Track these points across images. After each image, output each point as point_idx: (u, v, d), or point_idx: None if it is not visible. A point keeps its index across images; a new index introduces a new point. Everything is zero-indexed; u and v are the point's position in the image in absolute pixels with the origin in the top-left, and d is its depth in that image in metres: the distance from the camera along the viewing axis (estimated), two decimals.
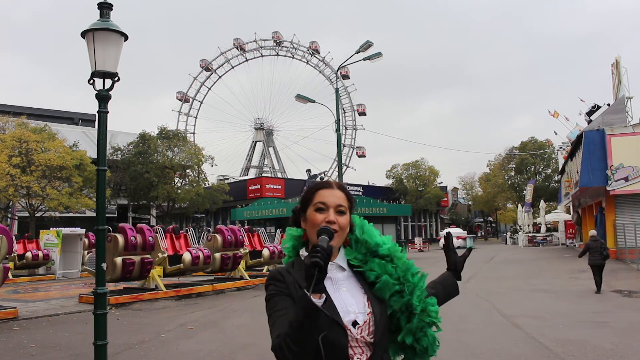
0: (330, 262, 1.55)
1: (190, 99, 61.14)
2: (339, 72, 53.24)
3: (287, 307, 1.48)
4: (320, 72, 59.78)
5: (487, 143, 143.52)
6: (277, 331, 1.44)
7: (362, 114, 57.93)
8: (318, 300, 1.34)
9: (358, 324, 1.50)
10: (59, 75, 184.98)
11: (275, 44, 60.32)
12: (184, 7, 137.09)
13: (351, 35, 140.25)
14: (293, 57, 60.53)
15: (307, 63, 60.12)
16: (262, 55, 61.82)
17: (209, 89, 62.07)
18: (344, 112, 56.35)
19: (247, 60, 62.10)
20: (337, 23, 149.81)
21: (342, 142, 27.53)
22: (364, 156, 58.44)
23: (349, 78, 57.09)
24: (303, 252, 1.67)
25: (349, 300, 1.53)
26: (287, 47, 60.12)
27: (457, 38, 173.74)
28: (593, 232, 13.73)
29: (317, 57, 59.43)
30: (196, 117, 61.36)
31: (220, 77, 62.06)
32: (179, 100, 61.05)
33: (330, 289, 1.52)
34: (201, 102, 61.77)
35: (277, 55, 61.23)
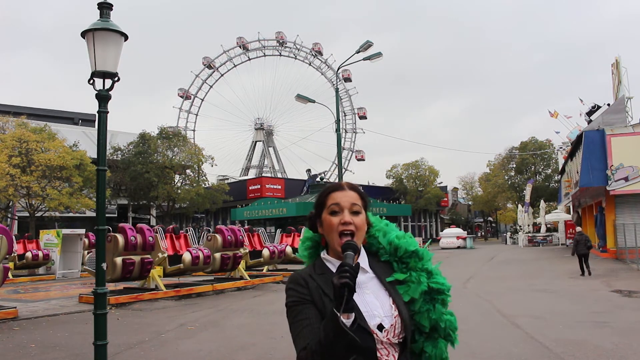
0: None
1: (192, 96, 61.17)
2: (340, 75, 53.24)
3: (311, 317, 1.48)
4: (322, 74, 59.72)
5: (494, 144, 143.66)
6: (302, 343, 1.44)
7: (363, 117, 57.85)
8: (347, 320, 1.34)
9: (384, 327, 1.49)
10: (76, 75, 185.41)
11: (278, 44, 60.28)
12: (188, 6, 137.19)
13: (359, 38, 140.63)
14: (296, 58, 60.50)
15: (310, 64, 60.05)
16: (264, 55, 61.82)
17: (211, 86, 62.08)
18: (345, 115, 56.30)
19: (249, 59, 62.13)
20: (347, 26, 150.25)
21: (342, 145, 27.55)
22: (363, 160, 58.40)
23: (350, 81, 57.02)
24: (325, 255, 1.65)
25: (374, 303, 1.52)
26: (290, 48, 60.09)
27: (468, 40, 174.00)
28: (579, 228, 18.28)
29: (319, 59, 59.36)
30: (197, 115, 61.44)
31: (222, 75, 62.09)
32: (181, 97, 61.09)
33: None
34: (202, 100, 61.81)
35: (280, 55, 61.22)
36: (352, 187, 1.67)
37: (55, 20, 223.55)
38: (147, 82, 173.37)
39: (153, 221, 40.73)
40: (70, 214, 29.46)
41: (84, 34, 5.47)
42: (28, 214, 26.65)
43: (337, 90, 20.61)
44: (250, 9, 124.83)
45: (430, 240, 4.48)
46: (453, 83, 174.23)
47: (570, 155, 27.62)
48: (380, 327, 1.49)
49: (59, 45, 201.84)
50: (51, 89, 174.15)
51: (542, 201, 43.32)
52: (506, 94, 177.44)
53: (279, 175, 59.44)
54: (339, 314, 1.32)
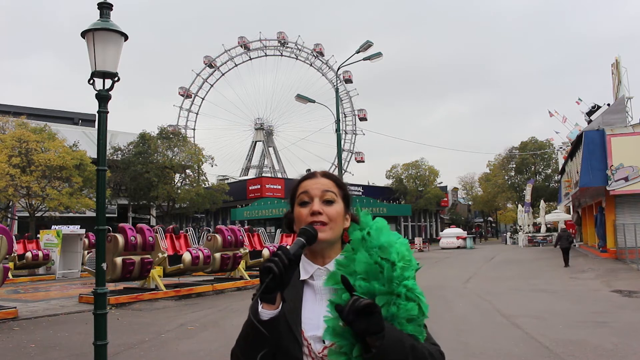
0: (319, 267, 1.35)
1: (193, 95, 61.12)
2: (341, 76, 53.15)
3: None
4: (323, 74, 59.62)
5: (495, 144, 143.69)
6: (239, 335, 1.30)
7: (363, 119, 57.79)
8: (269, 312, 1.17)
9: (325, 343, 1.25)
10: (77, 75, 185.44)
11: (279, 44, 60.21)
12: (191, 7, 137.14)
13: (366, 40, 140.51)
14: (297, 59, 60.37)
15: (311, 65, 59.94)
16: (266, 55, 61.75)
17: (212, 85, 61.99)
18: (345, 117, 56.22)
19: (250, 59, 62.03)
20: (355, 29, 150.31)
21: (342, 146, 27.49)
22: (363, 161, 58.35)
23: (351, 82, 56.93)
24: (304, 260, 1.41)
25: (324, 314, 1.26)
26: (292, 48, 59.99)
27: (479, 41, 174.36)
28: (562, 225, 20.62)
29: (320, 60, 59.29)
30: (197, 114, 61.38)
31: (223, 74, 62.02)
32: (181, 95, 61.04)
33: (310, 298, 1.33)
34: (203, 99, 61.77)
35: (281, 55, 61.13)
36: (326, 175, 1.44)
37: (55, 19, 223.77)
38: (147, 82, 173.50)
39: (153, 221, 40.74)
40: (70, 214, 29.46)
41: (83, 34, 5.47)
42: (28, 214, 26.65)
43: (337, 90, 20.60)
44: (255, 16, 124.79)
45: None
46: (457, 84, 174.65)
47: (570, 155, 27.61)
48: (324, 341, 1.26)
49: (59, 46, 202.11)
50: (51, 89, 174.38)
51: (542, 201, 43.32)
52: (508, 95, 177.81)
53: (279, 176, 59.39)
54: (259, 304, 1.17)
